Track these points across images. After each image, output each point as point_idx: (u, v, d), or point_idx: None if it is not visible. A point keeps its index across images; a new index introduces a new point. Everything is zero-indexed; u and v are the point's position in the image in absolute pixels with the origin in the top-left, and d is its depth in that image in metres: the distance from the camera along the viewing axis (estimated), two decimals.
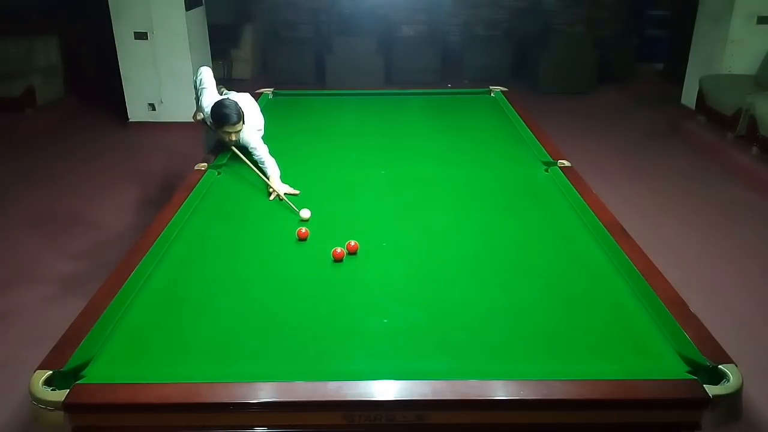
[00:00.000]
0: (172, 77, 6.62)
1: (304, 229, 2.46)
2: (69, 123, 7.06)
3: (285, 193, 2.82)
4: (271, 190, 2.87)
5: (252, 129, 3.18)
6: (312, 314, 1.95)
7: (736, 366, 1.63)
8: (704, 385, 1.57)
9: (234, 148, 3.09)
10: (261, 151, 3.04)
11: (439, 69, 8.45)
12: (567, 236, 2.45)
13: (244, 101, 3.31)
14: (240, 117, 3.04)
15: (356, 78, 7.79)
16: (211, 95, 3.32)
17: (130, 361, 1.74)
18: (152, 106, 6.81)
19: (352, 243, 2.30)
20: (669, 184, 5.28)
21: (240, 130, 3.07)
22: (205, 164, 3.13)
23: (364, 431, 1.61)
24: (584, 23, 9.44)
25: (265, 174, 2.96)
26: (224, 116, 3.02)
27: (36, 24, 7.97)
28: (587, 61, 8.04)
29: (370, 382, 1.59)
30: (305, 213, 2.62)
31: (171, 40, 6.51)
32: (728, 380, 1.58)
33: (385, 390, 1.58)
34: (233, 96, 3.34)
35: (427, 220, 2.64)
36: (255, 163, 3.02)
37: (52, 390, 1.57)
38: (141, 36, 6.48)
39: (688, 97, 6.92)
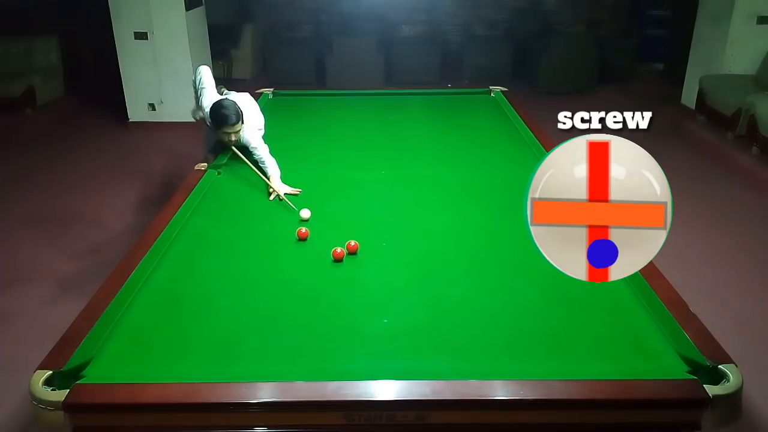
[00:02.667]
0: (172, 77, 6.61)
1: (304, 229, 2.46)
2: (69, 123, 7.05)
3: (285, 193, 2.82)
4: (271, 190, 2.87)
5: (252, 129, 3.17)
6: (312, 314, 1.95)
7: (736, 366, 1.63)
8: (704, 385, 1.57)
9: (234, 148, 3.09)
10: (261, 150, 3.04)
11: (439, 69, 8.43)
12: None
13: (244, 101, 3.31)
14: (239, 118, 3.04)
15: (356, 78, 7.78)
16: (210, 95, 3.31)
17: (130, 361, 1.74)
18: (152, 106, 6.80)
19: (352, 243, 2.30)
20: (669, 183, 5.27)
21: (239, 130, 3.07)
22: (205, 164, 3.13)
23: (364, 431, 1.61)
24: (584, 23, 9.43)
25: (265, 174, 2.96)
26: (223, 117, 3.01)
27: (36, 24, 7.94)
28: (587, 61, 8.03)
29: (370, 382, 1.59)
30: (305, 213, 2.62)
31: (171, 40, 6.50)
32: (728, 380, 1.58)
33: (385, 390, 1.58)
34: (233, 96, 3.33)
35: (427, 220, 2.64)
36: (255, 163, 3.02)
37: (52, 390, 1.57)
38: (141, 36, 6.48)
39: (688, 97, 6.91)
